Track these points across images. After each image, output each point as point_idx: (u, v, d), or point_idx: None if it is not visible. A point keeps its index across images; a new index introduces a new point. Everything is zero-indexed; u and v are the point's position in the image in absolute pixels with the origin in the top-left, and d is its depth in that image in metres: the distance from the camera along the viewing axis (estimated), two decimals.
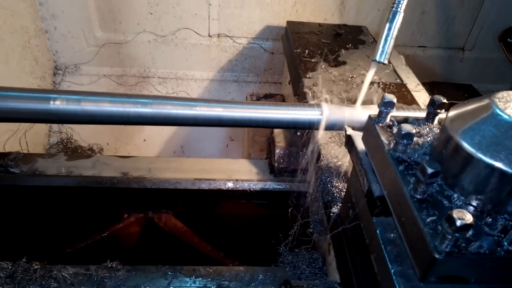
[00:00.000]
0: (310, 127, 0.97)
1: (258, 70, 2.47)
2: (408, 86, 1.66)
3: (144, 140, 2.53)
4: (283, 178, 1.41)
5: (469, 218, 0.54)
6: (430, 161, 0.62)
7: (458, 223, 0.53)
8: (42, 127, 2.29)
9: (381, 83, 1.64)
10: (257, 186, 1.38)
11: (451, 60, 2.50)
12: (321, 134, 1.24)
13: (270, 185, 1.39)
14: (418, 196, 0.64)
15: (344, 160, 1.19)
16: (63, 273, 1.05)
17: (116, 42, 2.30)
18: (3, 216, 1.37)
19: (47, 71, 2.31)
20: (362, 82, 1.61)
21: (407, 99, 1.55)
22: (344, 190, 1.09)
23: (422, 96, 1.60)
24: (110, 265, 1.09)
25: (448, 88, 2.08)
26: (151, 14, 2.22)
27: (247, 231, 1.49)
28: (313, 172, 1.32)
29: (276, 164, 1.41)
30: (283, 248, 1.20)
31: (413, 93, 1.61)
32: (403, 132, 0.70)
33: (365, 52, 1.91)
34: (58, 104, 0.89)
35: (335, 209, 1.06)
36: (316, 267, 1.12)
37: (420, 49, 2.45)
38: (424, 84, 1.70)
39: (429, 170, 0.61)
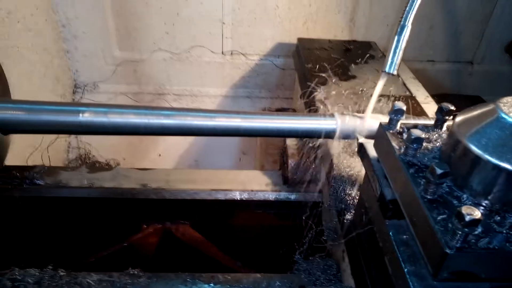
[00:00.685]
0: (325, 136, 1.02)
1: (270, 85, 2.54)
2: (417, 98, 1.70)
3: (159, 155, 2.60)
4: (296, 189, 1.45)
5: (477, 214, 0.57)
6: (439, 162, 0.66)
7: (467, 218, 0.57)
8: (61, 143, 2.37)
9: (391, 96, 1.68)
10: (271, 196, 1.42)
11: (460, 73, 2.53)
12: (334, 144, 1.29)
13: (284, 195, 1.42)
14: (429, 197, 0.68)
15: (355, 170, 1.23)
16: (87, 280, 1.09)
17: (133, 60, 2.39)
18: (29, 225, 1.43)
19: (67, 89, 2.40)
20: (372, 95, 1.67)
21: (417, 111, 1.59)
22: (357, 197, 1.12)
23: (431, 108, 1.63)
24: (132, 272, 1.13)
25: (457, 100, 2.11)
26: (167, 33, 2.31)
27: (262, 241, 1.52)
28: (326, 182, 1.36)
29: (289, 175, 1.45)
30: (298, 256, 1.23)
31: (422, 105, 1.65)
32: (413, 137, 0.74)
33: (375, 67, 1.97)
34: (86, 117, 0.95)
35: (348, 216, 1.09)
36: (330, 273, 1.15)
37: (429, 63, 2.50)
38: (433, 96, 1.74)
39: (439, 171, 0.65)
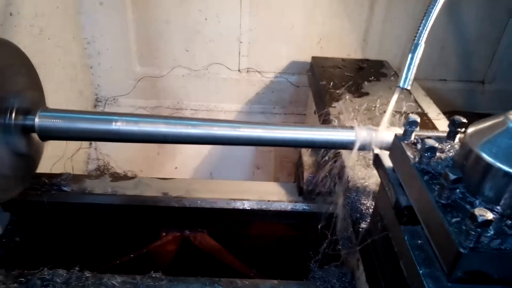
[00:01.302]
0: (344, 147, 1.07)
1: (284, 102, 2.61)
2: (429, 115, 1.75)
3: (176, 167, 2.67)
4: (311, 200, 1.49)
5: (489, 215, 0.62)
6: (452, 169, 0.71)
7: (480, 219, 0.61)
8: (82, 155, 2.46)
9: (403, 112, 1.73)
10: (287, 206, 1.47)
11: (472, 92, 2.58)
12: (349, 156, 1.34)
13: (300, 206, 1.47)
14: (443, 201, 0.72)
15: (370, 181, 1.28)
16: (112, 281, 1.15)
17: (152, 76, 2.49)
18: (56, 228, 1.49)
19: (89, 102, 2.51)
20: (385, 111, 1.72)
21: (429, 127, 1.64)
22: (371, 207, 1.17)
23: (443, 125, 1.67)
24: (154, 275, 1.18)
25: (468, 117, 2.14)
26: (187, 50, 2.41)
27: (277, 250, 1.56)
28: (341, 194, 1.40)
29: (305, 187, 1.49)
30: (313, 264, 1.26)
31: (434, 121, 1.70)
32: (427, 146, 0.79)
33: (387, 84, 2.03)
34: (119, 125, 1.02)
35: (363, 225, 1.13)
36: (345, 281, 1.18)
37: (440, 82, 2.55)
38: (445, 113, 1.78)
39: (452, 176, 0.69)
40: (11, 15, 1.64)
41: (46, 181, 1.48)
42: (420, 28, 0.98)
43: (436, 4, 0.93)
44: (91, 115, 1.05)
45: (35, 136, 1.10)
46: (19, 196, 1.15)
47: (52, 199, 1.44)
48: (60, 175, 1.53)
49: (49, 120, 1.04)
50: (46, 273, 1.14)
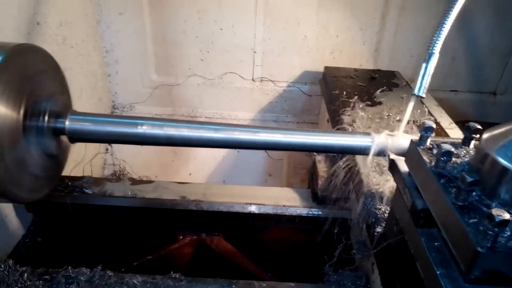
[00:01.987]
0: (361, 152, 1.10)
1: (296, 111, 2.65)
2: (442, 124, 1.78)
3: (190, 174, 2.72)
4: (326, 205, 1.52)
5: (507, 215, 0.64)
6: (469, 172, 0.74)
7: (497, 218, 0.64)
8: (98, 160, 2.52)
9: (416, 122, 1.76)
10: (302, 211, 1.50)
11: (483, 103, 2.60)
12: (363, 163, 1.37)
13: (315, 211, 1.50)
14: (460, 203, 0.75)
15: (384, 187, 1.30)
16: (133, 281, 1.18)
17: (168, 84, 2.56)
18: (77, 230, 1.54)
19: (107, 109, 2.57)
20: (399, 120, 1.75)
21: (441, 136, 1.66)
22: (386, 212, 1.19)
23: (455, 134, 1.70)
24: (174, 276, 1.21)
25: (482, 126, 2.17)
26: (202, 60, 2.48)
27: (292, 254, 1.58)
28: (355, 200, 1.43)
29: (319, 192, 1.52)
30: (328, 267, 1.29)
31: (447, 130, 1.72)
32: (443, 150, 0.82)
33: (399, 94, 2.06)
34: (145, 129, 1.07)
35: (378, 229, 1.16)
36: (360, 284, 1.20)
37: (452, 93, 2.58)
38: (457, 123, 1.81)
39: (469, 179, 0.72)
40: (38, 24, 1.72)
41: (69, 183, 1.53)
42: (434, 37, 1.02)
43: (451, 14, 0.96)
44: (118, 118, 1.10)
45: (63, 138, 1.15)
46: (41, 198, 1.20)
47: (75, 201, 1.48)
48: (81, 178, 1.58)
49: (78, 123, 1.09)
50: (70, 271, 1.18)
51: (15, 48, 1.00)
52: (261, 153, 2.73)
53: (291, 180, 1.94)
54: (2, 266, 1.17)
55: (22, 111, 1.00)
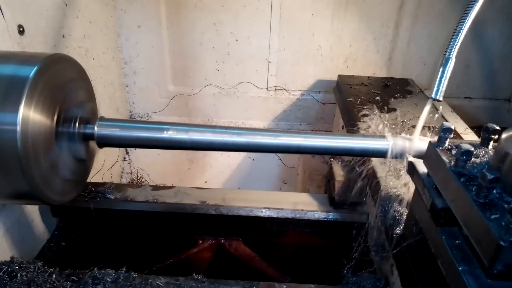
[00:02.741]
0: (379, 155, 1.13)
1: (310, 119, 2.68)
2: (457, 129, 1.79)
3: (206, 181, 2.76)
4: (343, 210, 1.54)
5: None
6: (489, 169, 0.76)
7: None
8: (116, 169, 2.57)
9: (431, 127, 1.78)
10: (320, 216, 1.52)
11: (498, 110, 2.60)
12: (380, 167, 1.40)
13: (333, 215, 1.52)
14: (481, 200, 0.77)
15: (402, 191, 1.32)
16: (157, 282, 1.21)
17: (185, 94, 2.62)
18: (100, 234, 1.58)
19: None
20: (413, 126, 1.77)
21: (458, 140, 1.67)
22: (405, 214, 1.21)
23: (471, 139, 1.71)
24: (196, 278, 1.24)
25: None
26: (218, 70, 2.54)
27: (311, 258, 1.60)
28: (372, 203, 1.44)
29: (336, 197, 1.54)
30: (347, 270, 1.30)
31: (462, 136, 1.74)
32: (463, 150, 0.85)
33: (413, 101, 2.08)
34: (170, 134, 1.11)
35: (397, 230, 1.17)
36: (380, 286, 1.21)
37: (466, 100, 2.59)
38: (472, 128, 1.82)
39: (490, 176, 0.74)
40: (63, 36, 1.80)
41: (92, 189, 1.58)
42: (451, 43, 1.05)
43: (467, 19, 1.00)
44: (144, 124, 1.15)
45: (91, 143, 1.20)
46: (68, 202, 1.25)
47: (98, 206, 1.53)
48: (104, 184, 1.63)
49: (106, 128, 1.14)
50: (96, 272, 1.21)
51: (48, 58, 1.06)
52: (275, 161, 2.77)
53: (307, 186, 1.97)
54: (32, 267, 1.21)
55: (55, 118, 1.06)
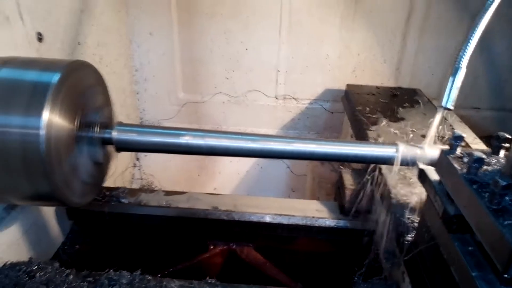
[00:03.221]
0: (388, 162, 1.15)
1: (318, 127, 2.71)
2: (466, 139, 1.81)
3: (215, 188, 2.78)
4: (353, 217, 1.56)
5: None
6: (502, 176, 0.78)
7: None
8: (127, 175, 2.61)
9: (439, 137, 1.80)
10: (330, 223, 1.54)
11: (506, 120, 2.61)
12: (390, 175, 1.42)
13: (343, 222, 1.53)
14: (494, 207, 0.79)
15: (412, 199, 1.34)
16: (171, 285, 1.23)
17: (195, 101, 2.66)
18: (115, 236, 1.61)
19: None
20: (422, 136, 1.79)
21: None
22: (416, 221, 1.23)
23: (480, 148, 1.73)
24: (210, 281, 1.26)
25: None
26: (227, 78, 2.58)
27: (321, 265, 1.61)
28: (383, 211, 1.46)
29: (346, 205, 1.56)
30: (357, 277, 1.31)
31: (471, 145, 1.75)
32: (475, 157, 0.87)
33: (422, 111, 2.10)
34: (186, 139, 1.14)
35: (409, 237, 1.19)
36: None
37: (473, 110, 2.60)
38: (481, 138, 1.84)
39: (502, 183, 0.76)
40: (79, 44, 1.85)
41: (106, 193, 1.61)
42: (461, 52, 1.07)
43: (477, 29, 1.02)
44: (161, 129, 1.18)
45: (108, 147, 1.24)
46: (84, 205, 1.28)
47: (112, 210, 1.56)
48: (117, 188, 1.66)
49: (125, 133, 1.17)
50: (112, 274, 1.24)
51: (70, 65, 1.09)
52: (283, 169, 2.79)
53: (316, 194, 1.99)
54: (50, 268, 1.24)
55: (76, 123, 1.09)
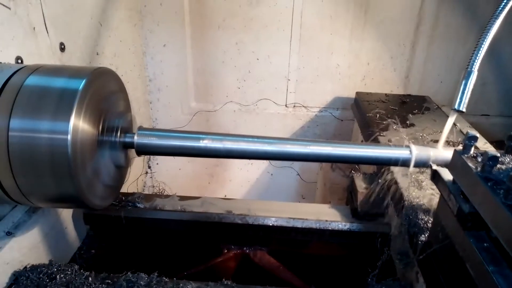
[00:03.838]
0: (402, 164, 1.17)
1: (328, 135, 2.74)
2: (476, 144, 1.82)
3: (225, 196, 2.81)
4: (366, 220, 1.57)
5: None
6: None
7: None
8: (139, 182, 2.65)
9: (450, 142, 1.82)
10: (344, 226, 1.55)
11: None
12: (402, 179, 1.44)
13: (356, 226, 1.55)
14: (509, 203, 0.81)
15: (424, 200, 1.36)
16: (187, 286, 1.26)
17: (206, 110, 2.70)
18: (131, 241, 1.63)
19: None
20: (431, 141, 1.81)
21: None
22: (429, 222, 1.24)
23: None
24: (226, 283, 1.28)
25: None
26: (239, 88, 2.63)
27: (334, 269, 1.62)
28: (395, 214, 1.48)
29: (359, 208, 1.58)
30: (371, 278, 1.33)
31: (482, 150, 1.77)
32: (489, 156, 0.89)
33: (431, 117, 2.13)
34: (206, 143, 1.18)
35: (422, 238, 1.20)
36: None
37: (483, 117, 2.62)
38: (491, 143, 1.85)
39: None
40: (97, 54, 1.91)
41: (122, 198, 1.64)
42: (473, 56, 1.11)
43: (489, 33, 1.06)
44: (181, 133, 1.21)
45: (128, 151, 1.27)
46: (100, 210, 1.31)
47: (128, 214, 1.59)
48: (133, 193, 1.69)
49: (146, 137, 1.21)
50: (130, 276, 1.26)
51: (94, 72, 1.14)
52: (293, 176, 2.81)
53: (327, 199, 2.01)
54: (69, 270, 1.27)
55: (99, 127, 1.13)
